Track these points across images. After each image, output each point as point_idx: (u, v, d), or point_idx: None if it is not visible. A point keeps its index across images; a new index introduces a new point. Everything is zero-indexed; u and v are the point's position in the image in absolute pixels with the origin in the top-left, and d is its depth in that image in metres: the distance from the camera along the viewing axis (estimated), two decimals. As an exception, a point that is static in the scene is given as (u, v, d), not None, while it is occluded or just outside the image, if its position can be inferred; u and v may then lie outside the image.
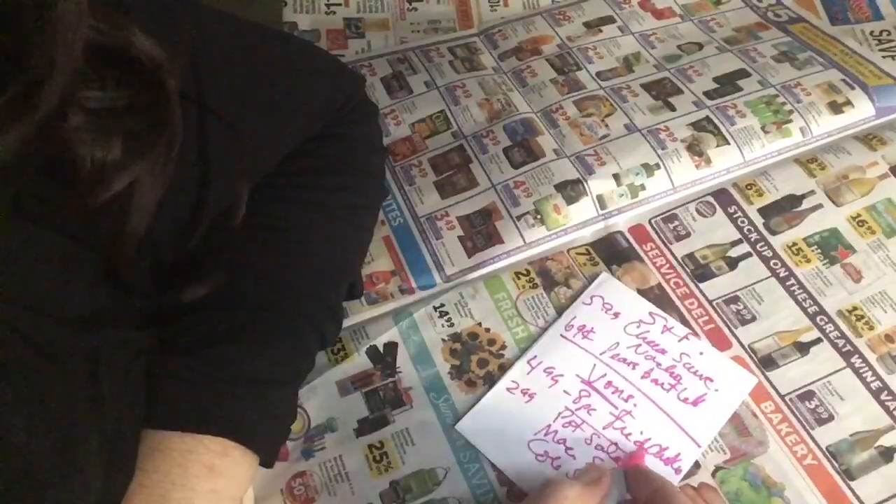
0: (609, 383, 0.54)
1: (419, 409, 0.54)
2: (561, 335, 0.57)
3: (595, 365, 0.55)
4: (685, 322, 0.58)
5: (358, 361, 0.57)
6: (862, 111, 0.70)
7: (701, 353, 0.56)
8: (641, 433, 0.52)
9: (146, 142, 0.36)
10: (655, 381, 0.54)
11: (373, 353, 0.57)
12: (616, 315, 0.58)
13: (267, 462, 0.46)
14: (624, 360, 0.55)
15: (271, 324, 0.47)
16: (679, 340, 0.56)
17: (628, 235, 0.64)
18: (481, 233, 0.63)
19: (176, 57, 0.37)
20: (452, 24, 0.84)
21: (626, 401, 0.53)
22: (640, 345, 0.56)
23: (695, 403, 0.53)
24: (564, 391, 0.54)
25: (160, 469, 0.41)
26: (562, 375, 0.55)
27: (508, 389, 0.55)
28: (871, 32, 0.80)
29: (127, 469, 0.40)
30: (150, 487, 0.41)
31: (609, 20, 0.82)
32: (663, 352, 0.56)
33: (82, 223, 0.37)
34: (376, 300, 0.60)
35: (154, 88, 0.36)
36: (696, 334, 0.57)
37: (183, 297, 0.43)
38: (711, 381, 0.54)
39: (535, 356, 0.56)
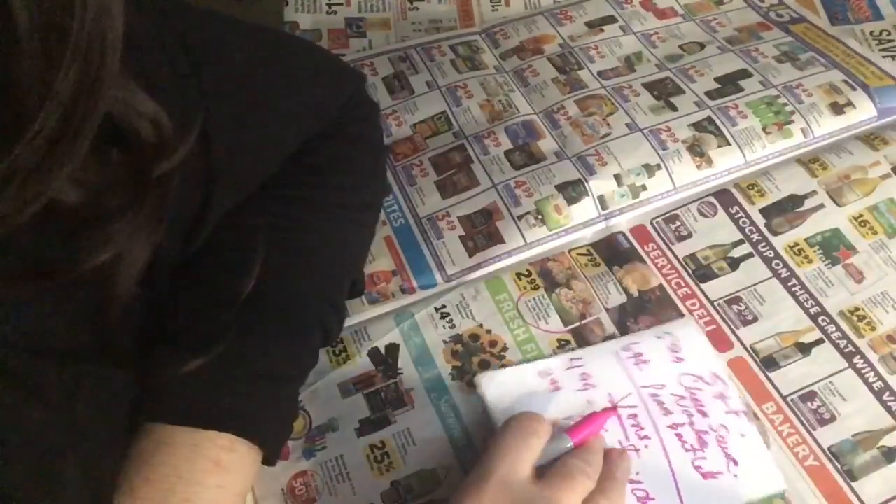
0: (634, 416, 0.52)
1: (420, 409, 0.54)
2: (616, 352, 0.56)
3: (630, 394, 0.53)
4: (687, 323, 0.58)
5: (359, 363, 0.57)
6: (863, 112, 0.70)
7: (742, 435, 0.52)
8: (637, 474, 0.49)
9: (133, 215, 0.34)
10: (679, 437, 0.51)
11: (374, 354, 0.57)
12: (678, 359, 0.55)
13: (271, 459, 0.47)
14: (660, 403, 0.53)
15: (277, 321, 0.47)
16: (727, 412, 0.53)
17: (629, 236, 0.64)
18: (482, 232, 0.63)
19: (189, 127, 0.35)
20: (454, 24, 0.84)
21: (640, 439, 0.51)
22: (684, 398, 0.53)
23: (705, 476, 0.50)
24: (588, 401, 0.53)
25: (167, 463, 0.41)
26: (594, 386, 0.54)
27: (539, 373, 0.54)
28: (871, 32, 0.79)
29: (106, 502, 0.40)
30: (157, 481, 0.41)
31: (611, 20, 0.82)
32: (704, 414, 0.52)
33: (62, 289, 0.36)
34: (377, 300, 0.60)
35: (148, 163, 0.33)
36: (749, 414, 0.53)
37: (180, 370, 0.42)
38: (735, 464, 0.50)
39: (581, 358, 0.55)
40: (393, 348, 0.57)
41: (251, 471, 0.45)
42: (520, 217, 0.63)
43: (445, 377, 0.56)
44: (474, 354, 0.57)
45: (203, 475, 0.42)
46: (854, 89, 0.71)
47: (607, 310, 0.59)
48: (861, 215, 0.63)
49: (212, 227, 0.47)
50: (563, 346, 0.57)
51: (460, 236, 0.63)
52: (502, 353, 0.57)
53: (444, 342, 0.57)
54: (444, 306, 0.59)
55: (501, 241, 0.62)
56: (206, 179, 0.44)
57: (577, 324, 0.58)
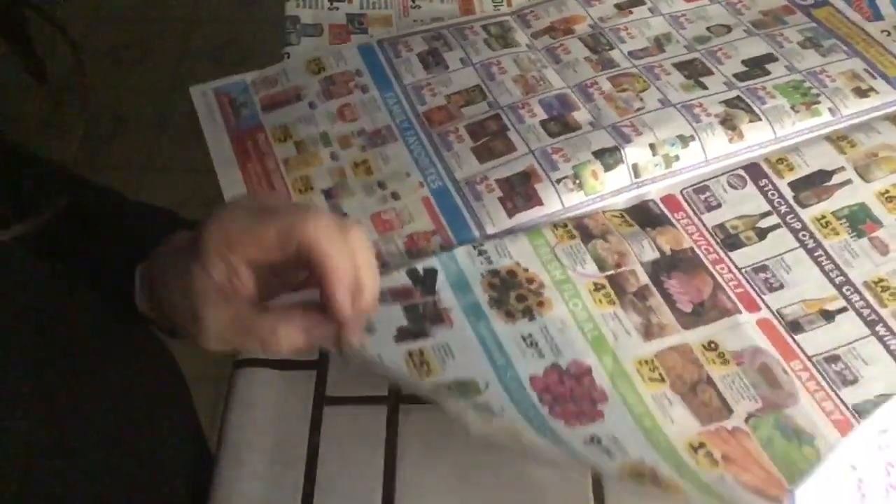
0: None
1: (459, 330, 0.56)
2: None
3: None
4: (718, 286, 0.60)
5: (396, 277, 0.58)
6: (887, 96, 0.72)
7: None
8: None
9: None
10: None
11: (413, 274, 0.59)
12: None
13: None
14: None
15: None
16: None
17: (660, 204, 0.66)
18: (521, 194, 0.65)
19: None
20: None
21: None
22: None
23: None
24: None
25: None
26: None
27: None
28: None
29: None
30: None
31: (639, 1, 0.84)
32: None
33: None
34: (418, 255, 0.62)
35: None
36: None
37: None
38: None
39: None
40: (431, 272, 0.59)
41: None
42: (558, 181, 0.65)
43: (483, 304, 0.57)
44: (511, 289, 0.58)
45: None
46: (874, 78, 0.73)
47: (641, 263, 0.61)
48: (887, 191, 0.65)
49: None
50: (598, 289, 0.59)
51: (499, 198, 0.65)
52: (540, 290, 0.58)
53: (482, 275, 0.59)
54: (482, 244, 0.61)
55: (540, 203, 0.64)
56: None
57: (612, 271, 0.60)
